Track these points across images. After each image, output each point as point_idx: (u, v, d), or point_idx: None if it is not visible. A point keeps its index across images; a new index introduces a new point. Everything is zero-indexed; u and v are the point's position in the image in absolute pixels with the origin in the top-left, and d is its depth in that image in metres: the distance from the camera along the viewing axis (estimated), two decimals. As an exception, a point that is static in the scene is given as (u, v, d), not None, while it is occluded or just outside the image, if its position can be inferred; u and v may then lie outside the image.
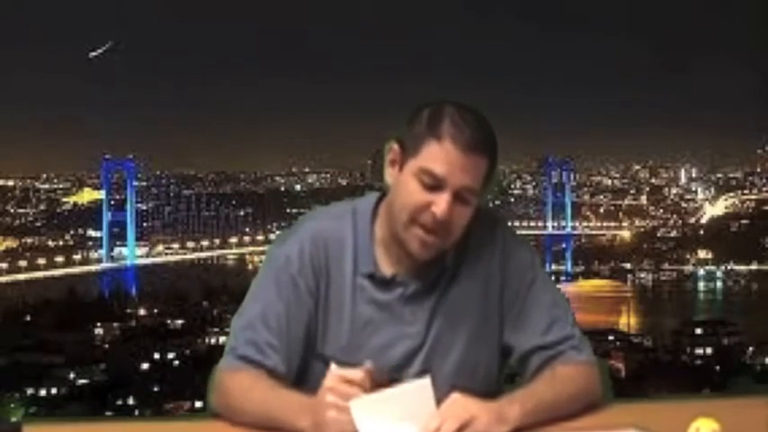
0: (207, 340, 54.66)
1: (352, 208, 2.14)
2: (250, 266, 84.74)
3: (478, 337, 2.14)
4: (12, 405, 42.76)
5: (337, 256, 2.10)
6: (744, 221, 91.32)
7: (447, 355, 2.12)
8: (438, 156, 1.99)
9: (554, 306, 2.17)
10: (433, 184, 1.99)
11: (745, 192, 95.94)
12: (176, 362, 50.65)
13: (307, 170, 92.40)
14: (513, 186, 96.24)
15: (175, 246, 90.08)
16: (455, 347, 2.13)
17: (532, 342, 2.13)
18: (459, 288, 2.14)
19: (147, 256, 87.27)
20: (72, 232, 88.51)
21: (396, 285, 2.11)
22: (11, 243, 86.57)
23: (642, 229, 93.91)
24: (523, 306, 2.15)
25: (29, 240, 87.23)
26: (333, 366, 1.91)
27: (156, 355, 50.94)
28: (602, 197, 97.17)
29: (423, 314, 2.12)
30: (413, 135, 2.03)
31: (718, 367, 48.16)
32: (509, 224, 2.31)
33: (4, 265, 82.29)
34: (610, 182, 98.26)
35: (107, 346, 54.20)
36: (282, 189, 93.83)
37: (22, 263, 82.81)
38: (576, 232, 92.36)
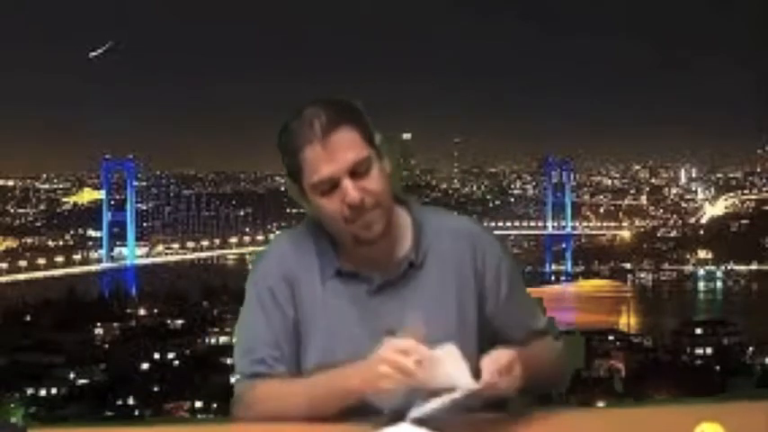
0: (207, 340, 54.68)
1: (313, 221, 2.23)
2: (250, 266, 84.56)
3: (459, 330, 2.18)
4: (12, 405, 42.78)
5: (305, 265, 2.20)
6: (744, 221, 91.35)
7: (430, 347, 2.15)
8: (310, 165, 2.08)
9: (529, 296, 2.31)
10: (329, 186, 2.09)
11: (745, 192, 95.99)
12: (176, 362, 50.66)
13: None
14: (513, 186, 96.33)
15: (175, 246, 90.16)
16: (437, 342, 2.14)
17: (527, 330, 2.23)
18: (430, 282, 2.20)
19: (147, 256, 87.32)
20: (72, 232, 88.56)
21: (361, 280, 2.18)
22: (11, 243, 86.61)
23: (642, 229, 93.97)
24: (511, 300, 2.23)
25: (29, 240, 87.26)
26: (386, 339, 1.99)
27: (156, 355, 50.94)
28: (602, 197, 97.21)
29: (394, 308, 2.17)
30: (288, 165, 2.15)
31: (718, 367, 48.15)
32: (473, 218, 2.38)
33: (4, 265, 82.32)
34: (610, 182, 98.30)
35: (107, 346, 54.22)
36: (282, 189, 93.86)
37: (22, 263, 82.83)
38: (576, 232, 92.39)
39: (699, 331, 54.80)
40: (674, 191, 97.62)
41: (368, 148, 2.10)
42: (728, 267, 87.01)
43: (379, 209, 2.10)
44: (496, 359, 1.98)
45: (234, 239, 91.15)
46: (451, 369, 1.94)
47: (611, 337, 53.92)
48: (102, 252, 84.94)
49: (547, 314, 2.32)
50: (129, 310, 64.23)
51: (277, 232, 2.38)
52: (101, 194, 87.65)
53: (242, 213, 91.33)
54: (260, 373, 2.15)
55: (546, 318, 2.29)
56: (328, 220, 2.13)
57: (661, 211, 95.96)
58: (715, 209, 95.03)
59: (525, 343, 2.18)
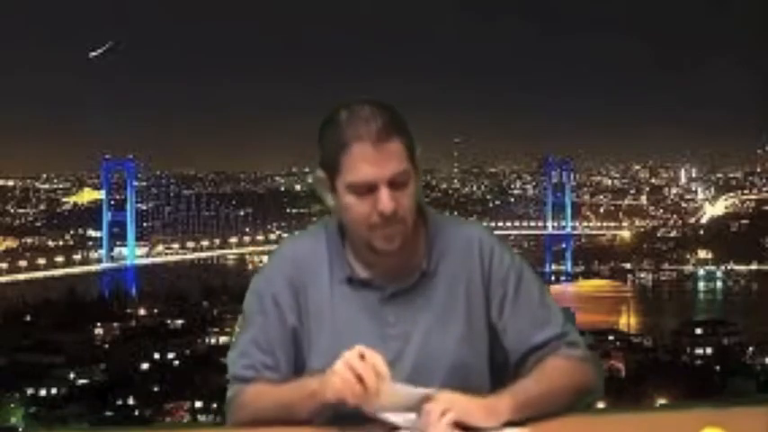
0: (207, 340, 54.70)
1: (325, 225, 2.23)
2: (250, 266, 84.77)
3: (468, 339, 2.18)
4: (12, 405, 42.79)
5: (314, 270, 2.20)
6: (744, 221, 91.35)
7: (439, 357, 2.16)
8: (355, 164, 2.06)
9: (542, 305, 2.21)
10: (365, 189, 2.07)
11: (745, 192, 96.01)
12: (176, 362, 50.66)
13: (307, 170, 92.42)
14: (513, 186, 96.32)
15: (175, 246, 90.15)
16: (446, 349, 2.16)
17: (527, 344, 2.17)
18: (441, 290, 2.19)
19: (147, 256, 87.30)
20: (72, 232, 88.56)
21: (373, 288, 2.18)
22: (11, 243, 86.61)
23: (642, 229, 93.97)
24: (513, 309, 2.19)
25: (29, 240, 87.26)
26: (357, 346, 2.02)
27: (156, 355, 50.95)
28: (602, 197, 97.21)
29: (405, 316, 2.17)
30: (327, 155, 2.12)
31: (718, 367, 48.15)
32: (487, 226, 2.36)
33: (4, 265, 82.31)
34: (610, 182, 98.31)
35: (107, 346, 54.22)
36: (282, 189, 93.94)
37: (22, 263, 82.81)
38: (576, 232, 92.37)
39: (699, 331, 54.82)
40: (674, 191, 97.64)
41: (409, 162, 2.10)
42: (728, 267, 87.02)
43: (404, 224, 2.11)
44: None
45: (234, 239, 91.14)
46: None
47: (611, 337, 53.93)
48: (102, 252, 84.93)
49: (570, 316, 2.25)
50: (129, 310, 64.26)
51: (285, 234, 2.37)
52: (101, 194, 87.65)
53: (242, 213, 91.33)
54: (248, 378, 2.16)
55: (559, 325, 2.19)
56: (352, 221, 2.12)
57: (661, 211, 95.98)
58: (715, 209, 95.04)
59: (522, 363, 2.16)
